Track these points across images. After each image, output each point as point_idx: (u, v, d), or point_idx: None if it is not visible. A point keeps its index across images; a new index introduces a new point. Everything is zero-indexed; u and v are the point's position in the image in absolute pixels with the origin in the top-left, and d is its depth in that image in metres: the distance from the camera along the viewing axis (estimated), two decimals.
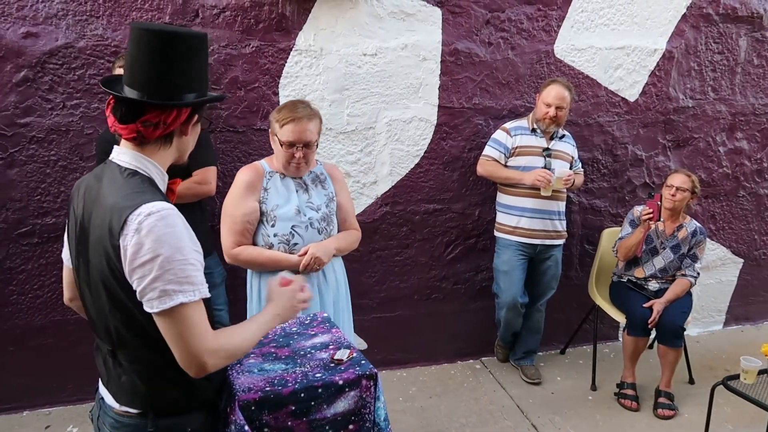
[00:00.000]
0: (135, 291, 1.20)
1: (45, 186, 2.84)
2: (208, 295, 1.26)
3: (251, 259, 2.22)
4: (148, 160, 1.29)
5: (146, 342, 1.27)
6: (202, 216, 2.82)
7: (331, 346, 1.69)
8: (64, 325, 2.98)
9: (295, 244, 2.22)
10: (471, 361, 3.73)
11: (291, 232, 2.21)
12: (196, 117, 1.34)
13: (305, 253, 2.18)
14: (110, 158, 1.31)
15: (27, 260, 2.89)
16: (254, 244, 2.25)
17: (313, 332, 1.80)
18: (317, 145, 2.25)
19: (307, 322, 1.88)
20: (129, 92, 1.25)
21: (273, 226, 2.21)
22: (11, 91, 2.71)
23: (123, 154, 1.29)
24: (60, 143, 2.82)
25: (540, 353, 3.75)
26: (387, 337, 3.53)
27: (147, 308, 1.20)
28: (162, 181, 1.33)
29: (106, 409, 1.39)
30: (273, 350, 1.66)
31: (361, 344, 3.49)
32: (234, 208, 2.22)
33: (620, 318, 3.31)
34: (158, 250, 1.16)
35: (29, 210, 2.84)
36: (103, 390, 1.41)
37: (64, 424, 2.94)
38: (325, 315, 1.95)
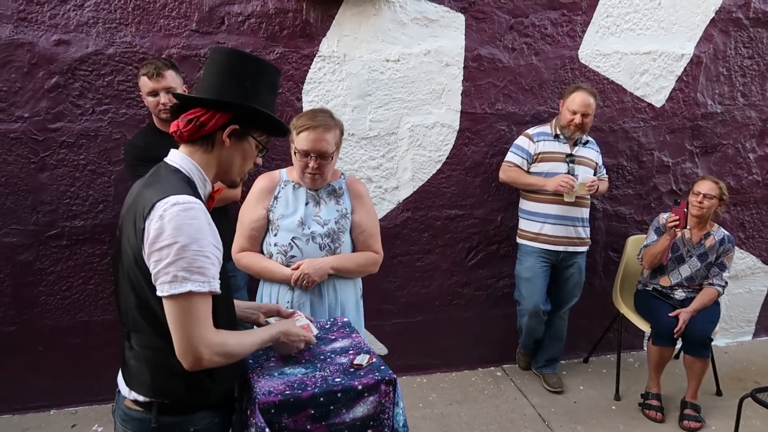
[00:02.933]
0: (150, 273, 1.27)
1: (74, 189, 2.91)
2: (218, 291, 1.31)
3: (249, 266, 2.19)
4: (192, 163, 1.40)
5: (156, 328, 1.33)
6: (228, 221, 2.85)
7: (351, 351, 1.70)
8: (91, 325, 3.05)
9: (293, 256, 2.14)
10: (492, 368, 3.70)
11: (290, 244, 2.14)
12: (236, 128, 1.40)
13: (298, 268, 2.11)
14: (164, 159, 1.44)
15: (56, 262, 2.96)
16: (261, 251, 2.24)
17: (333, 336, 1.81)
18: (334, 158, 2.14)
19: (327, 326, 1.89)
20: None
21: (275, 235, 2.16)
22: (43, 97, 2.79)
23: (174, 155, 1.42)
24: (89, 148, 2.89)
25: (562, 361, 3.71)
26: (407, 342, 3.53)
27: (159, 292, 1.26)
28: (203, 186, 1.42)
29: (119, 400, 1.45)
30: (294, 354, 1.67)
31: (381, 349, 3.49)
32: (245, 214, 2.23)
33: (645, 327, 3.25)
34: (177, 237, 1.23)
35: (59, 213, 2.91)
36: (120, 378, 1.47)
37: (89, 423, 2.99)
38: (345, 320, 1.95)
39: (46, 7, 2.73)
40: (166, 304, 1.26)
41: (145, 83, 2.54)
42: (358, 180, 2.34)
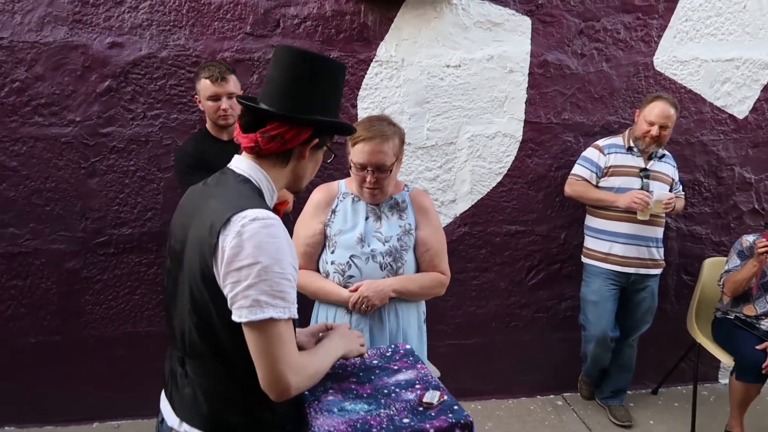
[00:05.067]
0: (223, 294, 1.16)
1: (123, 196, 2.83)
2: (296, 316, 1.19)
3: (303, 285, 1.97)
4: (262, 173, 1.29)
5: (217, 354, 1.22)
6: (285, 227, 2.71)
7: (417, 385, 1.51)
8: (136, 337, 2.95)
9: (351, 276, 1.96)
10: (551, 396, 3.45)
11: (348, 262, 1.96)
12: (316, 141, 1.30)
13: (357, 290, 1.93)
14: (228, 165, 1.32)
15: (103, 270, 2.88)
16: (317, 269, 2.08)
17: (396, 366, 1.63)
18: (394, 170, 1.95)
19: (388, 354, 1.71)
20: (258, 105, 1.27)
21: (333, 252, 1.99)
22: (95, 101, 2.72)
23: (240, 162, 1.30)
24: (139, 153, 2.80)
25: (629, 392, 3.42)
26: (461, 365, 3.31)
27: (235, 317, 1.15)
28: (271, 198, 1.32)
29: (164, 430, 1.33)
30: (353, 386, 1.49)
31: (434, 372, 3.28)
32: (300, 228, 2.07)
33: (727, 360, 2.95)
34: (258, 257, 1.12)
35: (107, 220, 2.83)
36: (164, 405, 1.35)
37: None
38: (408, 347, 1.77)
39: (101, 9, 2.66)
40: (246, 330, 1.16)
41: (207, 87, 2.44)
42: (423, 192, 2.15)
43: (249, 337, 1.15)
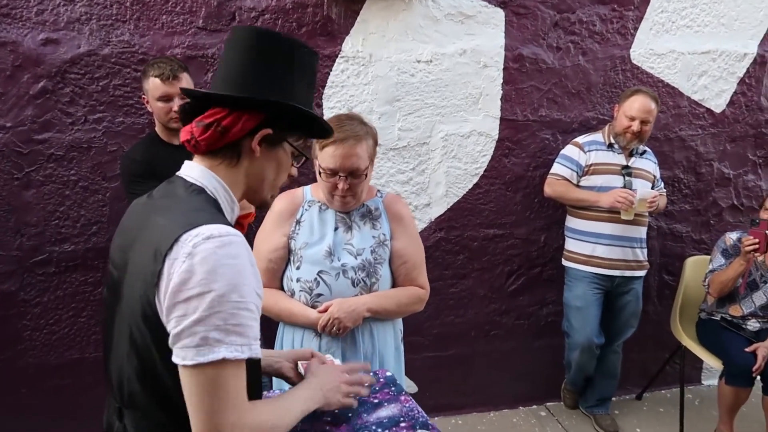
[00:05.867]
0: (167, 333, 0.94)
1: (64, 209, 2.54)
2: (260, 355, 0.96)
3: (266, 306, 1.73)
4: (217, 180, 1.08)
5: (162, 406, 0.99)
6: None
7: (403, 423, 1.31)
8: (83, 364, 2.67)
9: (320, 295, 1.75)
10: (535, 406, 3.29)
11: (316, 279, 1.75)
12: (267, 131, 1.06)
13: (326, 310, 1.72)
14: (177, 173, 1.11)
15: (43, 292, 2.59)
16: (281, 287, 1.85)
17: (376, 399, 1.42)
18: (368, 174, 1.75)
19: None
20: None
21: (298, 268, 1.77)
22: (28, 104, 2.43)
23: (191, 169, 1.09)
24: (81, 161, 2.53)
25: (613, 399, 3.29)
26: (440, 378, 3.13)
27: (177, 358, 0.92)
28: (230, 209, 1.11)
29: None
30: (328, 428, 1.28)
31: (410, 387, 3.09)
32: (260, 242, 1.84)
33: (715, 363, 2.84)
34: (211, 284, 0.90)
35: (46, 236, 2.54)
36: None
37: None
38: (389, 374, 1.56)
39: (33, 2, 2.38)
40: (186, 373, 0.92)
41: (157, 86, 2.19)
42: (398, 198, 1.94)
43: (188, 381, 0.92)
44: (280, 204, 1.85)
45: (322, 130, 1.17)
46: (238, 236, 0.97)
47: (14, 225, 2.51)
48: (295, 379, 1.36)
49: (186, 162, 1.11)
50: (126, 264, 1.03)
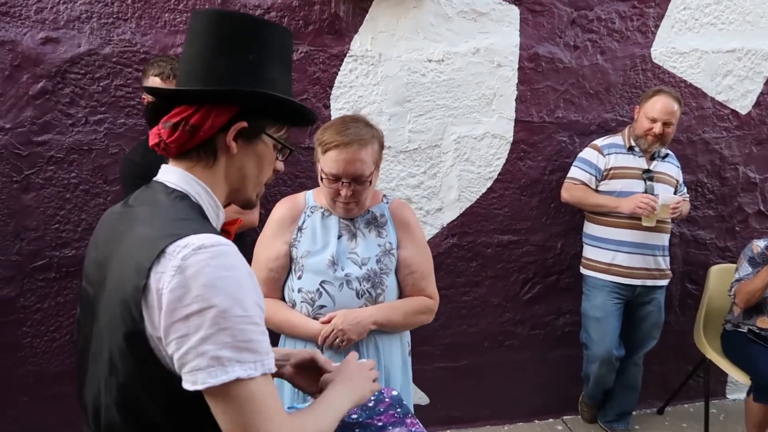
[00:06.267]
0: (154, 358, 0.86)
1: (64, 213, 2.47)
2: (273, 370, 0.88)
3: (266, 317, 1.64)
4: (199, 184, 0.99)
5: None
6: (243, 251, 2.36)
7: None
8: None
9: (322, 306, 1.66)
10: (551, 420, 3.16)
11: (318, 290, 1.66)
12: (243, 125, 0.96)
13: (330, 321, 1.62)
14: (155, 178, 1.02)
15: (43, 298, 2.52)
16: (282, 297, 1.76)
17: (380, 422, 1.31)
18: (373, 180, 1.66)
19: (371, 404, 1.40)
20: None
21: (299, 278, 1.68)
22: (27, 105, 2.37)
23: (169, 174, 1.00)
24: (81, 164, 2.46)
25: (633, 412, 3.15)
26: (451, 390, 3.01)
27: (188, 383, 0.83)
28: (215, 215, 1.02)
29: None
30: None
31: (421, 399, 2.98)
32: (261, 250, 1.75)
33: (742, 378, 2.69)
34: (211, 298, 0.82)
35: (46, 240, 2.48)
36: None
37: None
38: (395, 393, 1.46)
39: (32, 0, 2.32)
40: (210, 400, 0.85)
41: (156, 86, 2.11)
42: (404, 204, 1.84)
43: (215, 408, 0.84)
44: (281, 210, 1.76)
45: (303, 116, 1.07)
46: (229, 245, 0.88)
47: (13, 229, 2.44)
48: (308, 387, 1.26)
49: (163, 166, 1.02)
50: (103, 280, 0.94)
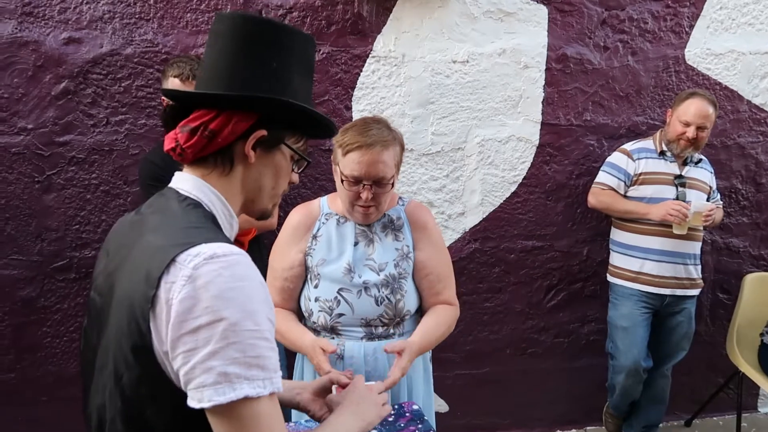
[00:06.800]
0: (162, 372, 0.82)
1: (85, 214, 2.47)
2: (281, 389, 0.84)
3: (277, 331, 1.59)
4: (213, 192, 0.95)
5: None
6: (260, 254, 2.34)
7: None
8: None
9: (341, 314, 1.60)
10: (574, 430, 3.08)
11: (337, 298, 1.61)
12: (262, 133, 0.93)
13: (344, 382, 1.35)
14: (169, 185, 0.99)
15: (63, 298, 2.52)
16: (298, 307, 1.71)
17: None
18: (393, 182, 1.62)
19: (391, 419, 1.35)
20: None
21: (316, 286, 1.64)
22: (50, 105, 2.36)
23: (183, 181, 0.97)
24: (102, 165, 2.45)
25: (659, 425, 3.05)
26: (472, 398, 2.95)
27: (194, 401, 0.79)
28: (229, 225, 0.99)
29: None
30: None
31: (441, 406, 2.92)
32: (276, 259, 1.71)
33: None
34: (221, 311, 0.78)
35: (66, 241, 2.47)
36: None
37: None
38: (416, 407, 1.41)
39: (55, 0, 2.31)
40: (213, 418, 0.81)
41: (176, 87, 2.09)
42: (421, 205, 1.78)
43: (218, 427, 0.81)
44: (295, 217, 1.71)
45: (324, 128, 1.03)
46: (243, 256, 0.85)
47: (35, 230, 2.44)
48: (316, 412, 1.22)
49: (177, 173, 0.99)
50: (112, 289, 0.90)
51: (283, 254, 1.67)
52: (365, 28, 2.55)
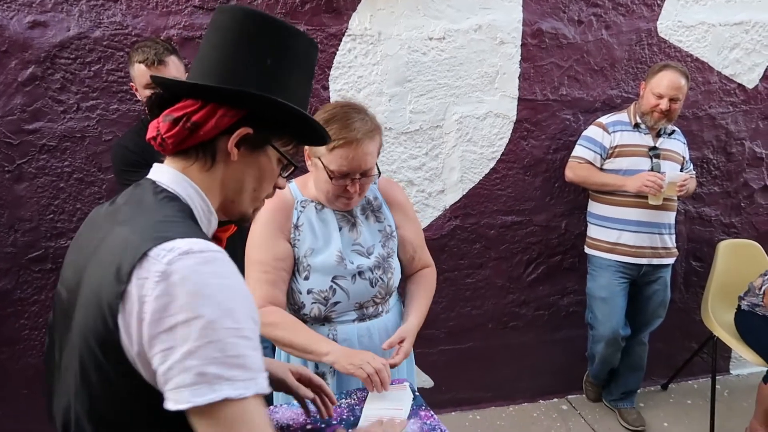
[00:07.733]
0: (132, 371, 0.78)
1: (58, 203, 2.42)
2: (267, 390, 0.79)
3: (280, 338, 1.50)
4: (191, 185, 0.92)
5: None
6: (242, 243, 2.29)
7: None
8: None
9: (336, 303, 1.57)
10: (556, 400, 3.15)
11: (332, 287, 1.56)
12: (248, 131, 0.89)
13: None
14: (147, 176, 0.95)
15: (40, 289, 2.48)
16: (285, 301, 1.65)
17: None
18: (378, 169, 1.57)
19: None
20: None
21: (306, 278, 1.57)
22: (17, 92, 2.29)
23: (161, 173, 0.93)
24: (75, 152, 2.39)
25: (638, 390, 3.14)
26: (456, 373, 2.99)
27: (171, 402, 0.75)
28: (207, 220, 0.94)
29: None
30: None
31: (426, 382, 2.97)
32: (261, 251, 1.57)
33: (756, 360, 2.65)
34: (198, 308, 0.75)
35: (41, 231, 2.42)
36: None
37: None
38: (407, 382, 1.42)
39: None
40: (195, 420, 0.76)
41: (142, 73, 2.04)
42: (390, 180, 1.77)
43: (199, 429, 0.77)
44: (269, 205, 1.57)
45: (317, 136, 1.00)
46: (220, 252, 0.81)
47: (7, 220, 2.39)
48: (294, 389, 1.23)
49: (155, 164, 0.95)
50: (79, 284, 0.86)
51: (271, 245, 1.57)
52: (340, 5, 2.52)
